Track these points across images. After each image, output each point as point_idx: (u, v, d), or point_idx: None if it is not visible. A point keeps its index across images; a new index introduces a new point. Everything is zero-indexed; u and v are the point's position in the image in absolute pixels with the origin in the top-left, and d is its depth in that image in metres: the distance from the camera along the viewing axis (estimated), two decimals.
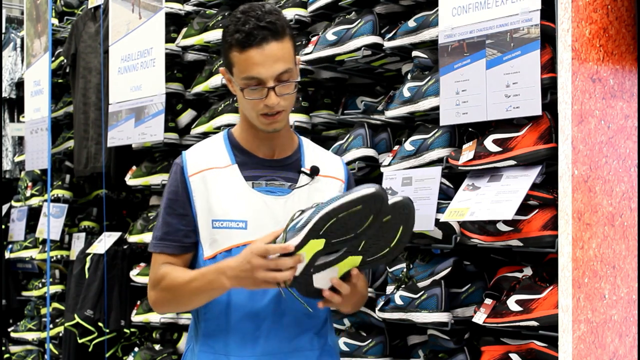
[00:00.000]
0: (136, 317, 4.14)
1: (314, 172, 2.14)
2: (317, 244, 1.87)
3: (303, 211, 1.93)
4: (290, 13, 3.37)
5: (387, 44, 2.97)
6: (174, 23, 4.06)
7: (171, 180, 2.14)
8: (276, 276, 1.87)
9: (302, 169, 2.14)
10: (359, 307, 2.22)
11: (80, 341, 4.32)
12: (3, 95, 5.76)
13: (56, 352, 4.78)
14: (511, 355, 2.49)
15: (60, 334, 4.70)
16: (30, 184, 5.35)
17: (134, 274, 4.19)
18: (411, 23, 2.89)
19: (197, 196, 2.08)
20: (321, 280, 1.92)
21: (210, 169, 2.10)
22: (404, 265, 2.85)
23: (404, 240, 1.95)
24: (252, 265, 1.88)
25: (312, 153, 2.20)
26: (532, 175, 2.40)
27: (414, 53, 2.88)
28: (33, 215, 5.29)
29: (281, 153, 2.15)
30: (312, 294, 1.95)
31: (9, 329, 5.39)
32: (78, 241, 4.83)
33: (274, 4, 3.43)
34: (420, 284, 2.74)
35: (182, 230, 2.10)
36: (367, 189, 1.84)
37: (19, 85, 5.71)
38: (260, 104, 2.01)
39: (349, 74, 3.48)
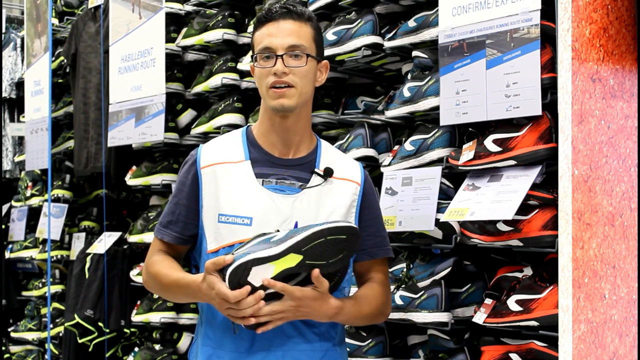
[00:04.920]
0: (136, 317, 4.14)
1: (327, 173, 2.13)
2: (293, 260, 1.90)
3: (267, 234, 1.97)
4: None
5: (387, 44, 2.97)
6: (174, 23, 4.06)
7: (184, 170, 2.17)
8: (240, 317, 1.92)
9: (315, 170, 2.13)
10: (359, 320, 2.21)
11: (80, 341, 4.33)
12: (3, 95, 5.76)
13: (56, 352, 4.78)
14: (511, 355, 2.49)
15: (61, 334, 4.70)
16: (30, 184, 5.35)
17: (134, 274, 4.18)
18: (411, 23, 2.89)
19: (206, 189, 2.10)
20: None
21: (222, 163, 2.11)
22: (404, 265, 2.85)
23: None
24: (217, 302, 1.94)
25: (328, 155, 2.19)
26: (532, 175, 2.40)
27: (414, 53, 2.88)
28: (33, 215, 5.28)
29: (297, 152, 2.15)
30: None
31: (9, 329, 5.39)
32: (78, 241, 4.83)
33: (274, 3, 3.44)
34: (420, 284, 2.74)
35: (183, 222, 2.13)
36: (353, 224, 1.98)
37: (19, 85, 5.71)
38: (270, 74, 2.05)
39: (349, 74, 3.47)
